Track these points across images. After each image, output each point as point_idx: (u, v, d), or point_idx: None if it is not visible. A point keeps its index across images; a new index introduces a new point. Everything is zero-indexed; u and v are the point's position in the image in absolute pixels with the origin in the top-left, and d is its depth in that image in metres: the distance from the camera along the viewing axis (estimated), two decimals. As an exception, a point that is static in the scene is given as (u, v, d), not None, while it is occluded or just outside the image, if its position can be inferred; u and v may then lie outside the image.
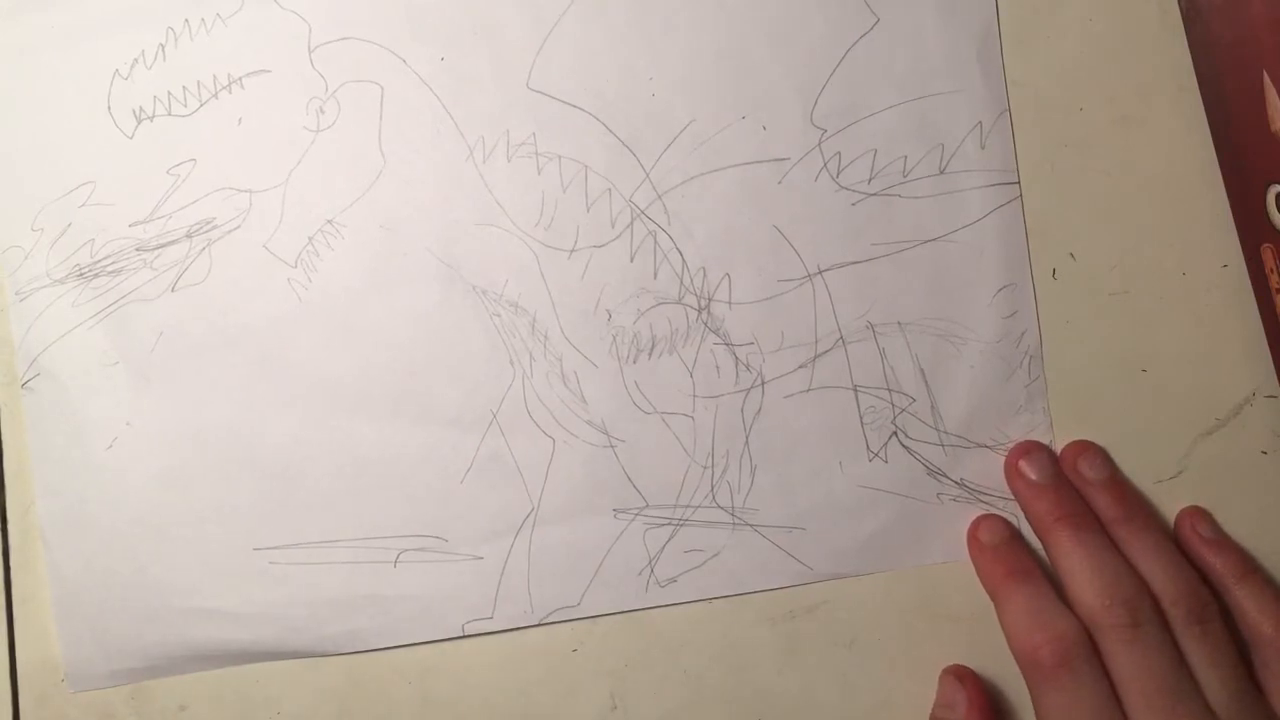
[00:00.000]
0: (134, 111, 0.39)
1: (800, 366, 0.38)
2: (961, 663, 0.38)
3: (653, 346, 0.38)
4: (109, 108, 0.39)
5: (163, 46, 0.39)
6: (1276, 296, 0.36)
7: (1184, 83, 0.38)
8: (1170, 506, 0.38)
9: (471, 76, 0.39)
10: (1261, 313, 0.38)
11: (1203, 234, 0.38)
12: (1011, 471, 0.38)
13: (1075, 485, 0.37)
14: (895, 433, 0.38)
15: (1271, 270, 0.36)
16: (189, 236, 0.39)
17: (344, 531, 0.39)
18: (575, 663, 0.39)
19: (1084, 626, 0.35)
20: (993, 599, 0.37)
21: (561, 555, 0.39)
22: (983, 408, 0.38)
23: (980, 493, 0.38)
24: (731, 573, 0.38)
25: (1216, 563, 0.36)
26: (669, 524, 0.38)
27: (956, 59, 0.38)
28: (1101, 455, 0.38)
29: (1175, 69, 0.38)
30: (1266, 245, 0.36)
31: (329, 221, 0.39)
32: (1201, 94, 0.38)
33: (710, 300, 0.38)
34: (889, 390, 0.38)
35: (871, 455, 0.38)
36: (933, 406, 0.38)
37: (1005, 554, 0.37)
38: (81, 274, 0.39)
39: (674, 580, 0.38)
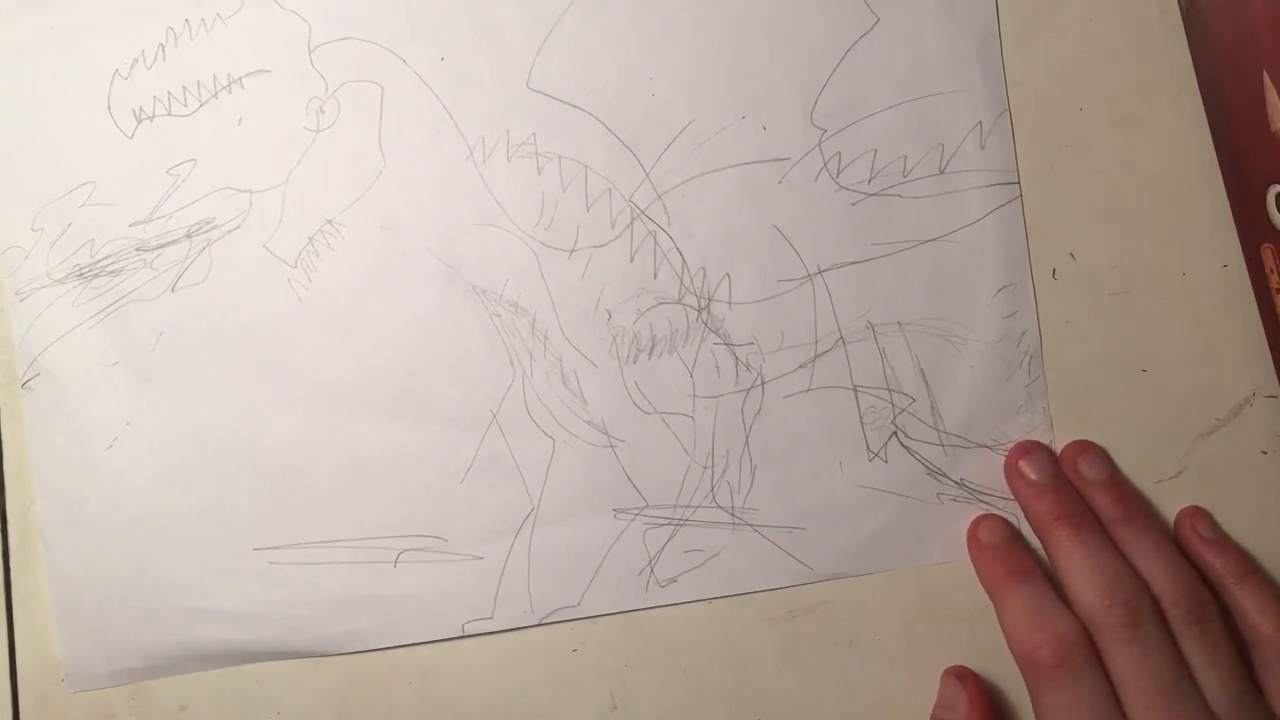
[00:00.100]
0: (134, 111, 0.39)
1: (800, 366, 0.38)
2: (962, 663, 0.38)
3: (653, 346, 0.38)
4: (109, 108, 0.39)
5: (163, 46, 0.39)
6: (1276, 296, 0.36)
7: (1184, 83, 0.38)
8: (1170, 506, 0.38)
9: (471, 76, 0.39)
10: (1261, 313, 0.38)
11: (1203, 234, 0.38)
12: (1011, 471, 0.38)
13: (1075, 485, 0.37)
14: (895, 433, 0.38)
15: (1271, 270, 0.36)
16: (189, 236, 0.39)
17: (344, 531, 0.39)
18: (575, 663, 0.39)
19: (1083, 626, 0.35)
20: (992, 599, 0.37)
21: (561, 555, 0.39)
22: (983, 408, 0.38)
23: (980, 493, 0.38)
24: (731, 573, 0.38)
25: (1216, 563, 0.36)
26: (669, 524, 0.38)
27: (956, 59, 0.38)
28: (1101, 455, 0.38)
29: (1175, 69, 0.38)
30: (1266, 245, 0.36)
31: (329, 221, 0.39)
32: (1201, 94, 0.38)
33: (710, 300, 0.38)
34: (889, 390, 0.38)
35: (871, 455, 0.38)
36: (933, 406, 0.38)
37: (1005, 554, 0.37)
38: (81, 274, 0.39)
39: (674, 580, 0.38)
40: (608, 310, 0.38)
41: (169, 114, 0.39)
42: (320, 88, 0.39)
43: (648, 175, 0.38)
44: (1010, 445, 0.38)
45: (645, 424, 0.38)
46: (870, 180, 0.38)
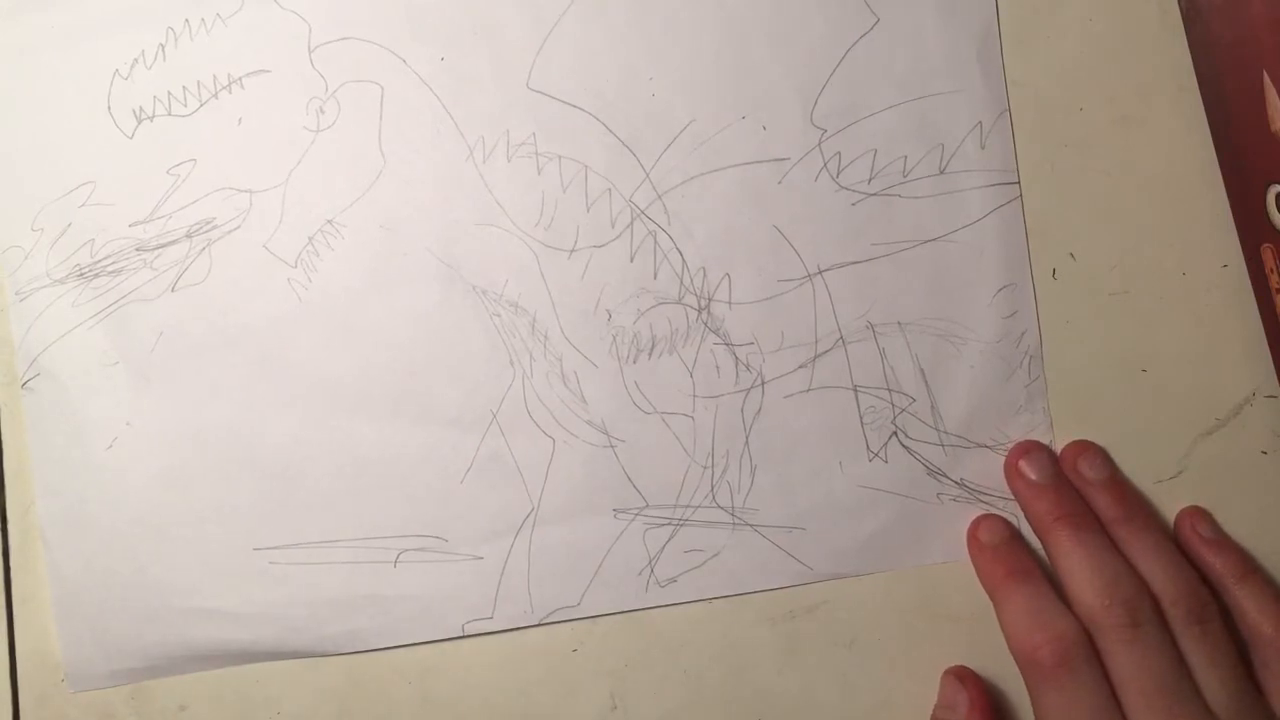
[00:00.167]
0: (134, 111, 0.39)
1: (800, 366, 0.38)
2: (962, 663, 0.38)
3: (653, 346, 0.38)
4: (109, 108, 0.39)
5: (163, 46, 0.39)
6: (1276, 296, 0.36)
7: (1184, 83, 0.38)
8: (1170, 506, 0.38)
9: (471, 76, 0.39)
10: (1261, 313, 0.38)
11: (1203, 234, 0.38)
12: (1011, 471, 0.38)
13: (1075, 485, 0.37)
14: (895, 433, 0.38)
15: (1271, 270, 0.36)
16: (189, 236, 0.39)
17: (344, 531, 0.39)
18: (575, 663, 0.39)
19: (1083, 626, 0.35)
20: (992, 599, 0.37)
21: (561, 555, 0.39)
22: (983, 408, 0.38)
23: (980, 493, 0.38)
24: (731, 573, 0.38)
25: (1216, 563, 0.36)
26: (669, 524, 0.38)
27: (956, 59, 0.38)
28: (1101, 455, 0.38)
29: (1175, 69, 0.38)
30: (1266, 245, 0.36)
31: (329, 221, 0.39)
32: (1201, 94, 0.38)
33: (710, 300, 0.38)
34: (889, 390, 0.38)
35: (871, 455, 0.38)
36: (933, 406, 0.38)
37: (1005, 554, 0.37)
38: (81, 274, 0.39)
39: (674, 580, 0.38)
40: (608, 310, 0.38)
41: (169, 114, 0.39)
42: (320, 88, 0.39)
43: (648, 175, 0.38)
44: (1010, 445, 0.38)
45: (645, 424, 0.38)
46: (870, 180, 0.38)
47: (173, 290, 0.39)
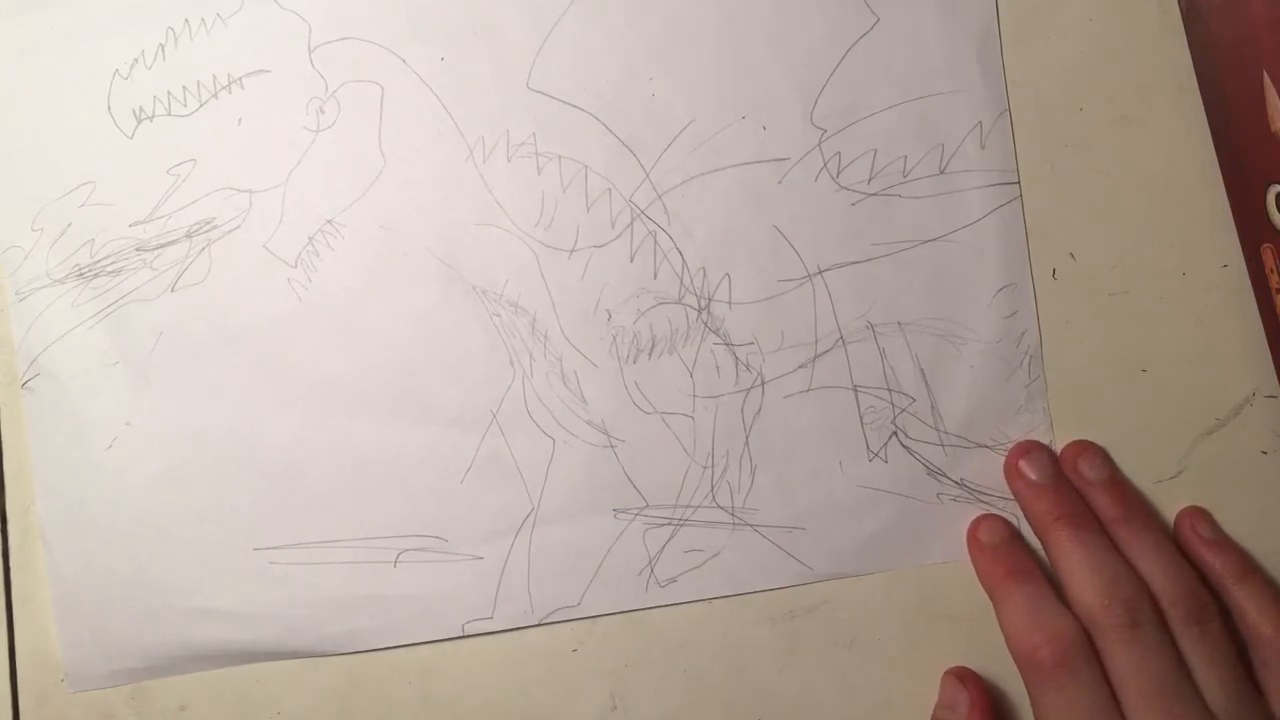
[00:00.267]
0: (134, 111, 0.39)
1: (800, 366, 0.38)
2: (962, 663, 0.38)
3: (653, 346, 0.38)
4: (109, 108, 0.39)
5: (163, 46, 0.39)
6: (1276, 296, 0.36)
7: (1184, 83, 0.38)
8: (1170, 506, 0.38)
9: (471, 76, 0.39)
10: (1261, 313, 0.38)
11: (1203, 234, 0.38)
12: (1011, 471, 0.38)
13: (1075, 485, 0.37)
14: (895, 433, 0.38)
15: (1271, 270, 0.36)
16: (189, 236, 0.39)
17: (344, 531, 0.39)
18: (575, 663, 0.39)
19: (1083, 626, 0.35)
20: (992, 599, 0.37)
21: (561, 555, 0.39)
22: (983, 408, 0.38)
23: (980, 493, 0.38)
24: (731, 573, 0.38)
25: (1216, 563, 0.36)
26: (669, 524, 0.38)
27: (956, 59, 0.38)
28: (1101, 455, 0.38)
29: (1175, 69, 0.38)
30: (1266, 245, 0.36)
31: (329, 221, 0.39)
32: (1201, 94, 0.38)
33: (710, 300, 0.38)
34: (889, 390, 0.38)
35: (871, 455, 0.38)
36: (933, 406, 0.38)
37: (1005, 554, 0.37)
38: (81, 274, 0.39)
39: (674, 580, 0.38)
40: (608, 310, 0.38)
41: (169, 114, 0.39)
42: (320, 88, 0.39)
43: (648, 175, 0.38)
44: (1010, 445, 0.38)
45: (645, 424, 0.38)
46: (870, 180, 0.38)
47: (173, 290, 0.39)
